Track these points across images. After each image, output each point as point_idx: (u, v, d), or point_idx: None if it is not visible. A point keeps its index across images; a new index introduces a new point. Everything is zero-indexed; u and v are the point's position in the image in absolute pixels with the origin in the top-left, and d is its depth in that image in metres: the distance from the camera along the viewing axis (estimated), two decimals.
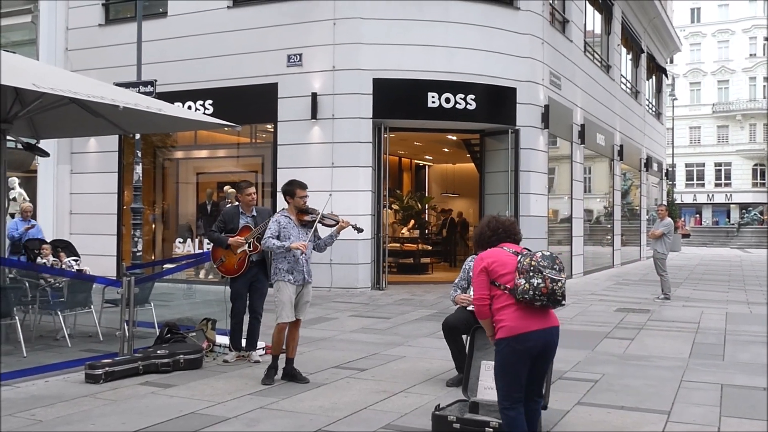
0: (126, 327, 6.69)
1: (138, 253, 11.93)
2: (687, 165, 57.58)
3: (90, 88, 6.88)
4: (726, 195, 56.52)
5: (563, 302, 3.94)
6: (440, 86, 13.47)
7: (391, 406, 5.39)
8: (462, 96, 13.57)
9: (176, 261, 11.93)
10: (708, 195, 57.37)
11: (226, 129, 11.98)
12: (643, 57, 25.67)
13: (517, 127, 14.27)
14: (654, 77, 29.32)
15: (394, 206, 18.00)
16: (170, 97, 12.47)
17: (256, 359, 6.86)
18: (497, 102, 14.16)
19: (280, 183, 12.28)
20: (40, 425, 4.80)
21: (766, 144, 54.39)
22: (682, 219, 46.10)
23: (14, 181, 13.99)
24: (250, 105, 13.78)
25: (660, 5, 25.27)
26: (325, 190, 11.49)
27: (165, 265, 12.50)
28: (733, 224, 51.82)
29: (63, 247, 9.84)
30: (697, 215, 57.97)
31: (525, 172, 14.36)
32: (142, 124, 9.21)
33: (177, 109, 9.38)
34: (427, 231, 18.48)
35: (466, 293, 6.10)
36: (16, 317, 7.38)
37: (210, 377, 6.23)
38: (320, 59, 13.38)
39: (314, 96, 13.25)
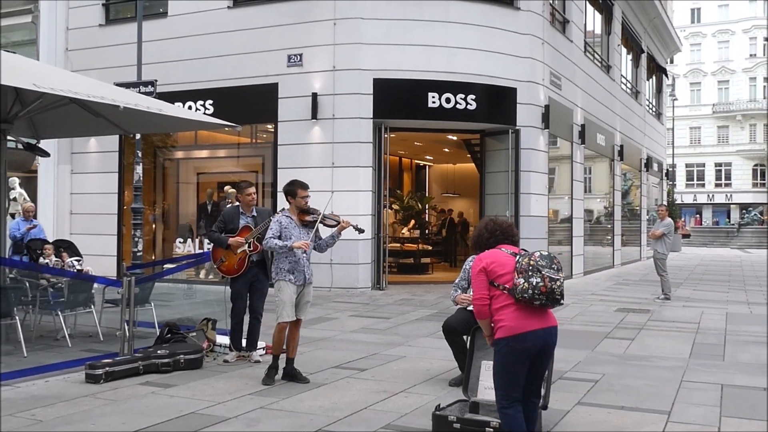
0: (126, 327, 6.70)
1: (138, 253, 11.93)
2: (687, 165, 57.58)
3: (90, 88, 6.88)
4: (726, 195, 56.52)
5: (562, 301, 3.97)
6: (440, 86, 13.47)
7: (391, 406, 5.39)
8: (462, 96, 13.57)
9: (176, 261, 11.93)
10: (708, 195, 57.35)
11: (226, 129, 11.99)
12: (644, 57, 25.67)
13: (517, 127, 14.27)
14: (654, 77, 29.32)
15: (395, 206, 18.01)
16: (171, 97, 12.47)
17: (256, 359, 6.86)
18: (497, 102, 14.16)
19: (281, 183, 12.32)
20: (40, 425, 4.80)
21: (767, 144, 54.38)
22: (683, 219, 46.09)
23: (14, 181, 13.99)
24: (250, 105, 13.78)
25: (660, 5, 25.27)
26: (326, 190, 11.54)
27: (165, 265, 12.51)
28: (733, 224, 51.83)
29: (65, 247, 9.84)
30: (698, 215, 57.95)
31: (525, 172, 14.36)
32: (143, 124, 9.21)
33: (177, 110, 9.38)
34: (427, 231, 18.49)
35: (466, 293, 6.10)
36: (17, 317, 7.38)
37: (210, 377, 6.23)
38: (320, 59, 13.38)
39: (314, 96, 13.26)
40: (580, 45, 17.82)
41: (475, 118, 13.93)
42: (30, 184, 15.70)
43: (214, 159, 15.84)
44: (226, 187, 13.83)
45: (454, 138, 17.11)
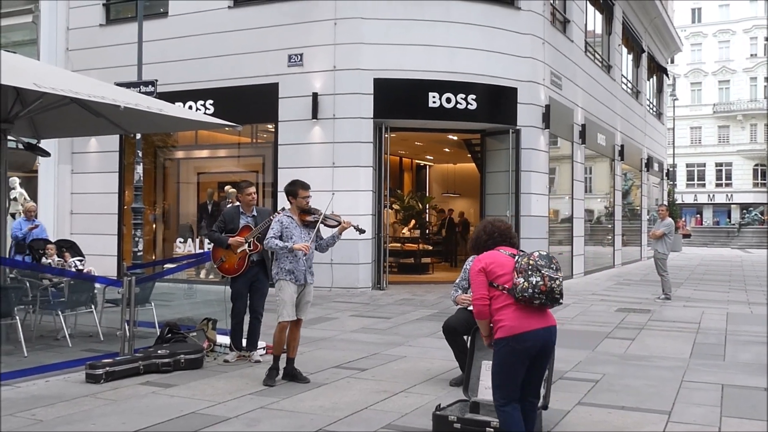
0: (127, 327, 6.69)
1: (139, 253, 11.94)
2: (688, 165, 57.57)
3: (91, 88, 6.88)
4: (727, 195, 56.50)
5: (561, 301, 4.00)
6: (441, 86, 13.47)
7: (391, 406, 5.39)
8: (463, 96, 13.56)
9: (177, 261, 11.93)
10: (709, 195, 57.33)
11: (226, 129, 12.00)
12: (644, 57, 25.66)
13: (518, 127, 14.27)
14: (655, 77, 29.30)
15: (395, 206, 18.01)
16: (171, 97, 12.48)
17: (256, 359, 6.86)
18: (498, 102, 14.16)
19: (281, 183, 12.31)
20: (40, 425, 4.80)
21: (767, 144, 54.34)
22: (683, 219, 46.07)
23: (15, 180, 13.99)
24: (250, 105, 13.78)
25: (661, 5, 25.26)
26: (326, 190, 11.57)
27: (166, 265, 12.50)
28: (733, 224, 51.82)
29: (68, 247, 9.85)
30: (698, 215, 57.94)
31: (526, 172, 14.35)
32: (143, 124, 9.21)
33: (178, 109, 9.38)
34: (427, 231, 18.49)
35: (467, 293, 6.09)
36: (17, 317, 7.37)
37: (210, 377, 6.23)
38: (321, 59, 13.38)
39: (315, 96, 13.25)
40: (581, 45, 17.81)
41: (476, 118, 13.93)
42: (30, 184, 15.70)
43: (215, 159, 15.84)
44: (227, 187, 13.84)
45: (455, 138, 17.11)
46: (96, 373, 5.92)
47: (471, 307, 5.78)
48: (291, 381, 6.05)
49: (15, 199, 13.72)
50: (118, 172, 15.30)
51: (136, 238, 11.98)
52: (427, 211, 20.48)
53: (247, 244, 6.76)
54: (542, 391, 4.47)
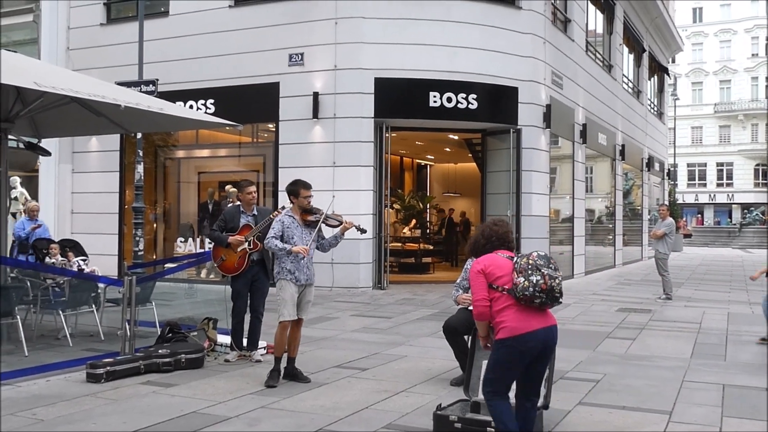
0: (127, 326, 6.69)
1: (139, 253, 11.94)
2: (689, 165, 57.55)
3: (91, 88, 6.87)
4: (728, 195, 56.47)
5: (561, 300, 4.04)
6: (442, 85, 13.46)
7: (392, 405, 5.39)
8: (464, 95, 13.56)
9: (177, 260, 11.94)
10: (710, 195, 57.31)
11: (227, 128, 11.99)
12: (645, 56, 25.64)
13: (518, 127, 14.26)
14: (656, 77, 29.29)
15: (396, 206, 18.01)
16: (172, 96, 12.47)
17: (257, 359, 6.86)
18: (499, 101, 14.15)
19: (282, 182, 12.32)
20: (41, 424, 4.80)
21: None
22: (684, 219, 46.02)
23: (16, 180, 13.99)
24: (251, 104, 13.78)
25: (662, 5, 25.24)
26: (327, 189, 11.56)
27: (166, 265, 12.50)
28: (734, 224, 51.78)
29: (71, 246, 9.84)
30: (699, 215, 57.90)
31: (526, 172, 14.34)
32: (144, 124, 9.21)
33: (178, 109, 9.37)
34: (428, 231, 18.48)
35: (467, 293, 6.09)
36: (18, 316, 7.37)
37: (211, 377, 6.23)
38: (322, 59, 13.38)
39: (316, 95, 13.25)
40: (582, 44, 17.80)
41: (477, 118, 13.92)
42: (31, 184, 15.71)
43: (215, 158, 15.85)
44: (227, 186, 13.84)
45: (456, 137, 17.10)
46: (97, 372, 5.92)
47: (472, 308, 5.81)
48: (292, 380, 6.05)
49: (16, 198, 13.71)
50: (118, 171, 15.32)
51: (137, 238, 11.99)
52: (428, 210, 20.47)
53: (247, 243, 6.77)
54: (543, 391, 4.48)
